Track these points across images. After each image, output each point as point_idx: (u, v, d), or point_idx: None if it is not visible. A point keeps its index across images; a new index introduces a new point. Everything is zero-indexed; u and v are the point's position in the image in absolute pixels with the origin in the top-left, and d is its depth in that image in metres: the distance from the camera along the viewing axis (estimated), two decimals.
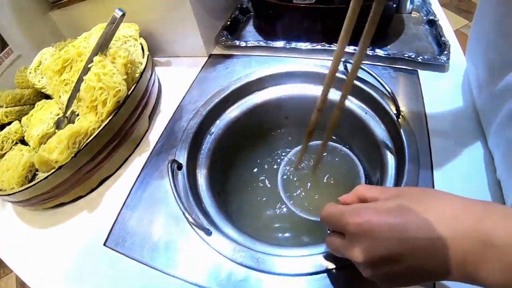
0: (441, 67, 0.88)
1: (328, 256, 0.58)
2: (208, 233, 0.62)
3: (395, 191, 0.45)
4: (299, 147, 0.77)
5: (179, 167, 0.73)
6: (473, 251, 0.35)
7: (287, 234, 0.82)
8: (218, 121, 0.87)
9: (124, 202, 0.70)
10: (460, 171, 0.68)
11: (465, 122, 0.75)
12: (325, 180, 0.76)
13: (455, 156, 0.70)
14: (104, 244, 0.65)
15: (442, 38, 0.92)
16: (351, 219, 0.41)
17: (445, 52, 0.87)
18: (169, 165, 0.68)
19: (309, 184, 0.76)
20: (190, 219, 0.60)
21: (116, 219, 0.68)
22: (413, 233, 0.37)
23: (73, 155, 0.66)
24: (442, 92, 0.82)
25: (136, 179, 0.74)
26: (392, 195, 0.44)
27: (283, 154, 0.96)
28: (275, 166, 0.94)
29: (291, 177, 0.78)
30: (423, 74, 0.87)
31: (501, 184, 0.62)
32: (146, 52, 0.86)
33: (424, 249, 0.37)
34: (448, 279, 0.38)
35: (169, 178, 0.66)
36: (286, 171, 0.77)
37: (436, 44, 0.95)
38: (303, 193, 0.75)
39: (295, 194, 0.75)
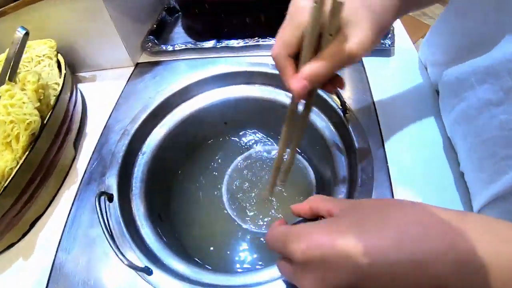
0: (386, 52, 0.86)
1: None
2: (149, 272, 0.56)
3: (351, 204, 0.39)
4: (239, 159, 0.79)
5: (110, 198, 0.66)
6: (449, 276, 0.30)
7: (241, 251, 0.77)
8: (149, 139, 0.80)
9: (59, 244, 0.63)
10: (418, 164, 0.65)
11: (418, 110, 0.74)
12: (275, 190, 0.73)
13: (412, 148, 0.68)
14: None
15: None
16: (297, 245, 0.35)
17: (389, 36, 0.86)
18: (96, 199, 0.61)
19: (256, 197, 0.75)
20: (124, 261, 0.54)
21: (53, 264, 0.61)
22: (371, 258, 0.31)
23: None
24: (390, 79, 0.80)
25: (68, 216, 0.66)
26: (348, 208, 0.39)
27: (227, 163, 0.91)
28: (220, 178, 0.88)
29: (237, 193, 0.76)
30: (367, 61, 0.84)
31: (465, 177, 0.60)
32: (64, 71, 0.78)
33: (386, 277, 0.31)
34: None
35: (98, 216, 0.59)
36: (230, 187, 0.77)
37: None
38: (254, 208, 0.74)
39: (245, 210, 0.74)
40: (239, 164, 0.79)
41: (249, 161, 0.82)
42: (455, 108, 0.61)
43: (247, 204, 0.75)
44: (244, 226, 0.71)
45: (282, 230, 0.39)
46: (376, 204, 0.38)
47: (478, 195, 0.53)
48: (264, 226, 0.71)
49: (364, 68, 0.83)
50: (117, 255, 0.55)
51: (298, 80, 0.41)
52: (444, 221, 0.32)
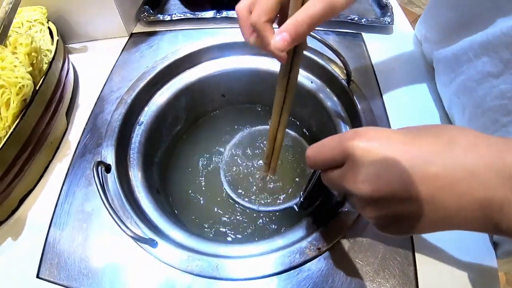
0: (385, 29, 0.87)
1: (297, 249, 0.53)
2: (154, 244, 0.53)
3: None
4: (236, 138, 0.79)
5: (108, 169, 0.62)
6: (499, 188, 0.29)
7: (242, 226, 0.75)
8: (146, 108, 0.76)
9: (51, 221, 0.59)
10: None
11: (416, 84, 0.75)
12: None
13: (413, 119, 0.70)
14: (37, 276, 0.54)
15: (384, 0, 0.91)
16: (356, 142, 0.34)
17: (388, 14, 0.87)
18: (94, 169, 0.57)
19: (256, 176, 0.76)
20: (129, 233, 0.50)
21: (45, 242, 0.57)
22: (426, 159, 0.31)
23: None
24: (390, 55, 0.81)
25: (61, 190, 0.62)
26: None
27: (225, 136, 0.89)
28: (217, 152, 0.87)
29: (236, 173, 0.76)
30: (367, 37, 0.85)
31: None
32: (56, 37, 0.73)
33: (439, 179, 0.31)
34: (466, 226, 0.32)
35: (96, 185, 0.55)
36: (229, 166, 0.76)
37: (377, 5, 0.94)
38: (254, 187, 0.74)
39: (245, 189, 0.74)
40: (237, 141, 0.78)
41: (250, 139, 0.80)
42: (453, 82, 0.64)
43: (246, 182, 0.74)
44: (242, 203, 0.69)
45: (332, 136, 0.38)
46: (425, 126, 0.36)
47: None
48: (261, 204, 0.71)
49: (364, 43, 0.83)
50: (119, 226, 0.51)
51: (278, 34, 0.41)
52: (491, 140, 0.32)
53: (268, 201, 0.72)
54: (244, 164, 0.77)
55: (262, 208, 0.69)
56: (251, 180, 0.75)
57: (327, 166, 0.39)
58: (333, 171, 0.38)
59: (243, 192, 0.73)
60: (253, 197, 0.72)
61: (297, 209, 0.60)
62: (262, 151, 0.78)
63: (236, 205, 0.75)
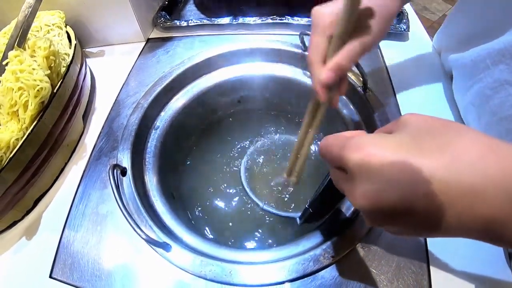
0: (401, 36, 0.87)
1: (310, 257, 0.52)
2: (167, 248, 0.53)
3: (413, 126, 0.36)
4: (255, 146, 0.81)
5: (123, 172, 0.63)
6: (502, 206, 0.28)
7: (255, 231, 0.75)
8: (162, 113, 0.77)
9: (65, 222, 0.59)
10: None
11: (432, 93, 0.75)
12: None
13: None
14: (50, 276, 0.54)
15: None
16: (352, 155, 0.33)
17: (404, 21, 0.86)
18: (110, 172, 0.57)
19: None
20: (143, 236, 0.50)
21: (59, 243, 0.57)
22: (428, 175, 0.29)
23: None
24: (406, 62, 0.81)
25: (76, 192, 0.63)
26: (408, 128, 0.36)
27: (240, 142, 0.89)
28: (233, 157, 0.86)
29: (255, 176, 0.76)
30: (383, 44, 0.85)
31: None
32: (74, 41, 0.74)
33: (440, 196, 0.29)
34: (471, 237, 0.31)
35: (112, 188, 0.55)
36: (248, 172, 0.77)
37: None
38: (275, 192, 0.74)
39: (260, 189, 0.74)
40: (255, 152, 0.80)
41: (271, 146, 0.82)
42: (470, 90, 0.63)
43: (263, 184, 0.75)
44: (251, 195, 0.71)
45: (339, 138, 0.37)
46: (435, 123, 0.35)
47: None
48: (269, 205, 0.71)
49: (380, 50, 0.82)
50: (134, 229, 0.51)
51: (325, 72, 0.48)
52: (501, 150, 0.30)
53: (277, 205, 0.72)
54: (264, 168, 0.79)
55: (266, 208, 0.69)
56: (268, 181, 0.76)
57: (332, 164, 0.38)
58: (340, 173, 0.37)
59: (256, 190, 0.74)
60: (264, 196, 0.73)
61: (298, 222, 0.60)
62: (284, 159, 0.79)
63: (252, 212, 0.75)
